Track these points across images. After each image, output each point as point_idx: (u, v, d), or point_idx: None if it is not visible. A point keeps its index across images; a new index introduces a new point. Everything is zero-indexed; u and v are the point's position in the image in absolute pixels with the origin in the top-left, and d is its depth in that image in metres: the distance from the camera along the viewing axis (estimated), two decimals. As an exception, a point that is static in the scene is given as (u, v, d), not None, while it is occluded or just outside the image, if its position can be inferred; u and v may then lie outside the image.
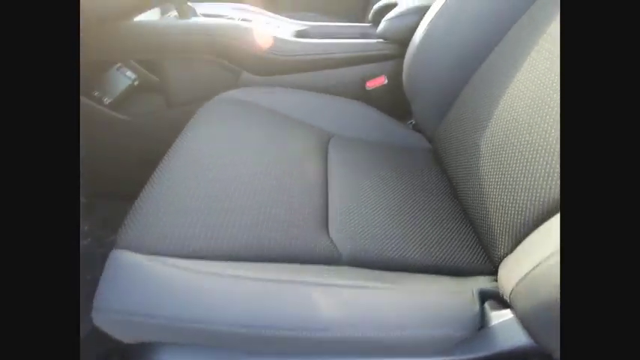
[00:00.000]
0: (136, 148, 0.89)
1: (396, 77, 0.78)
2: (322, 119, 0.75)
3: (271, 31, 0.78)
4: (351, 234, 0.49)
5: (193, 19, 0.76)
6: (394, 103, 0.80)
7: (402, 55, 0.77)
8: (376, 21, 0.88)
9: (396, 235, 0.50)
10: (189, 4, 0.79)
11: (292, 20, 0.89)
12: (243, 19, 0.83)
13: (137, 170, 0.80)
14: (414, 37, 0.68)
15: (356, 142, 0.73)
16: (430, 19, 0.62)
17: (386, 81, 0.76)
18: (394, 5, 0.80)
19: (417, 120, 0.75)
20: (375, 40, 0.78)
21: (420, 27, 0.66)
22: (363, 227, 0.50)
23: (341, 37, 0.89)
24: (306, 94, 0.77)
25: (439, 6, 0.61)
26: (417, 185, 0.63)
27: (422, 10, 0.71)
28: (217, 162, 0.55)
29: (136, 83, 0.91)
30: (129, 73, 0.94)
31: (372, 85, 0.76)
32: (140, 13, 0.77)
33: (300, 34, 0.86)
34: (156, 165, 0.59)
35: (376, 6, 0.85)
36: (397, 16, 0.72)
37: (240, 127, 0.65)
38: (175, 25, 0.74)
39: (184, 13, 0.78)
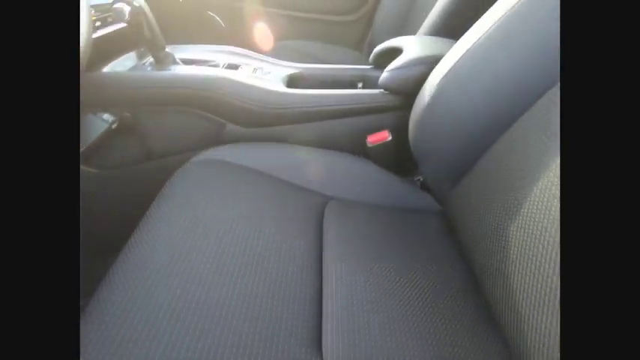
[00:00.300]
0: (112, 204, 0.80)
1: (399, 130, 0.69)
2: (318, 180, 0.66)
3: (259, 81, 0.69)
4: (348, 355, 0.39)
5: (172, 69, 0.68)
6: (398, 157, 0.71)
7: (406, 106, 0.68)
8: (377, 64, 0.80)
9: (406, 355, 0.40)
10: (167, 50, 0.70)
11: (284, 63, 0.81)
12: (229, 64, 0.74)
13: (112, 226, 0.71)
14: (422, 91, 0.59)
15: (356, 207, 0.64)
16: (443, 73, 0.54)
17: (390, 137, 0.67)
18: (398, 50, 0.72)
19: (425, 180, 0.66)
20: (376, 91, 0.69)
21: (430, 81, 0.57)
22: (364, 343, 0.40)
23: (338, 82, 0.81)
24: (300, 151, 0.68)
25: (454, 60, 0.52)
26: (431, 269, 0.54)
27: (430, 61, 0.62)
28: (183, 256, 0.45)
29: (114, 126, 0.82)
30: (106, 116, 0.85)
31: (373, 140, 0.67)
32: (110, 62, 0.69)
33: (292, 78, 0.78)
34: (133, 221, 0.51)
35: (377, 49, 0.77)
36: (402, 67, 0.64)
37: (218, 199, 0.55)
38: (151, 77, 0.66)
39: (162, 60, 0.69)
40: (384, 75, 0.66)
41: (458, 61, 0.51)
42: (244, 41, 1.59)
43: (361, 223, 0.60)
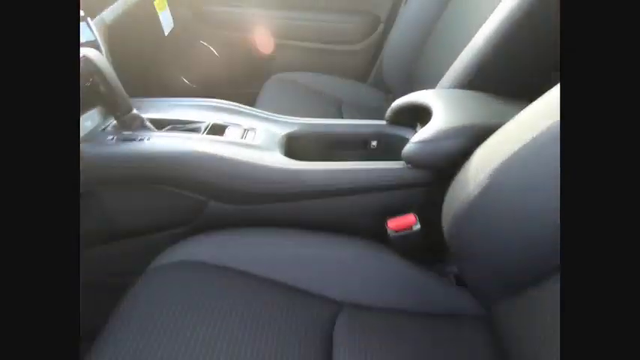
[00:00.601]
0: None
1: (426, 210, 0.55)
2: (324, 280, 0.51)
3: (250, 151, 0.55)
4: None
5: (139, 136, 0.53)
6: (425, 243, 0.56)
7: (435, 182, 0.54)
8: (394, 120, 0.65)
9: None
10: (135, 112, 0.56)
11: (281, 117, 0.67)
12: (212, 127, 0.60)
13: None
14: (464, 173, 0.45)
15: (376, 317, 0.49)
16: (499, 160, 0.39)
17: (417, 224, 0.52)
18: (421, 108, 0.58)
19: (467, 279, 0.51)
20: (399, 165, 0.54)
21: (477, 163, 0.42)
22: None
23: (348, 141, 0.67)
24: (299, 239, 0.54)
25: (518, 144, 0.38)
26: None
27: (470, 133, 0.48)
28: None
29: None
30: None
31: (396, 227, 0.53)
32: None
33: (292, 139, 0.64)
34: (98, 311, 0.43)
35: (395, 105, 0.63)
36: (434, 140, 0.49)
37: (191, 326, 0.41)
38: (112, 154, 0.51)
39: (127, 124, 0.55)
40: (410, 147, 0.51)
41: (524, 147, 0.37)
42: (240, 71, 1.47)
43: (383, 342, 0.46)
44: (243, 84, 1.51)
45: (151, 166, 0.51)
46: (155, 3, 0.94)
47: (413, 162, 0.52)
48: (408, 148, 0.52)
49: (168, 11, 1.07)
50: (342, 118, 1.11)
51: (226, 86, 1.52)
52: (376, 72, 1.40)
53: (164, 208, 0.58)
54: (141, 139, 0.52)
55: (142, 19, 0.93)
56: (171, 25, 1.10)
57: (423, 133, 0.50)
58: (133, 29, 0.93)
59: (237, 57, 1.45)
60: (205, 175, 0.51)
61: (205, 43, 1.44)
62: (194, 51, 1.45)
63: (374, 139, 0.67)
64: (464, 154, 0.48)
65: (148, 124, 0.57)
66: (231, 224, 0.57)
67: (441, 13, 1.03)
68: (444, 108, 0.53)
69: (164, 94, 1.43)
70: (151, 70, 1.31)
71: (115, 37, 0.80)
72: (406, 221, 0.52)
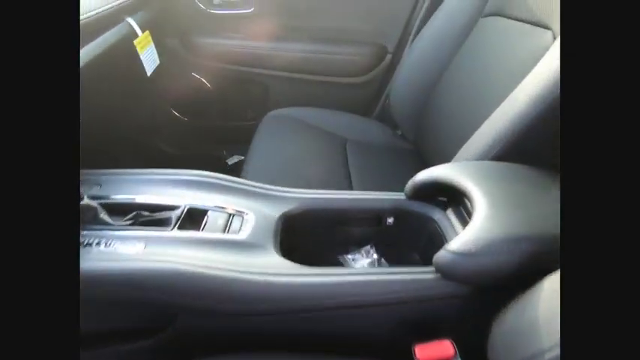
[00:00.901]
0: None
1: (460, 326, 0.42)
2: None
3: (234, 256, 0.42)
4: None
5: (86, 249, 0.41)
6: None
7: (472, 296, 0.41)
8: (415, 196, 0.53)
9: None
10: (86, 201, 0.43)
11: (276, 191, 0.54)
12: (188, 212, 0.47)
13: None
14: (525, 317, 0.32)
15: None
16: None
17: (456, 357, 0.39)
18: (451, 188, 0.45)
19: None
20: (429, 274, 0.41)
21: (545, 314, 0.30)
22: None
23: (361, 218, 0.55)
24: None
25: None
26: None
27: (524, 248, 0.35)
28: None
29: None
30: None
31: (426, 358, 0.40)
32: None
33: (290, 221, 0.51)
34: None
35: (418, 180, 0.50)
36: (474, 254, 0.37)
37: None
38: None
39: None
40: (445, 257, 0.39)
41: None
42: (234, 104, 1.36)
43: None
44: (238, 117, 1.40)
45: (101, 290, 0.38)
46: (135, 42, 0.83)
47: (447, 275, 0.40)
48: (442, 258, 0.39)
49: (153, 48, 0.96)
50: (347, 157, 1.00)
51: (220, 119, 1.41)
52: (382, 106, 1.29)
53: (126, 320, 0.45)
54: (88, 245, 0.40)
55: (119, 60, 0.82)
56: (156, 63, 0.99)
57: (463, 241, 0.38)
58: (109, 74, 0.81)
59: (232, 90, 1.35)
60: (171, 297, 0.39)
61: (197, 76, 1.34)
62: (185, 83, 1.34)
63: (390, 216, 0.55)
64: (517, 271, 0.36)
65: (104, 216, 0.44)
66: (207, 337, 0.45)
67: (460, 46, 0.92)
68: (487, 200, 0.40)
69: (153, 127, 1.32)
70: (138, 105, 1.20)
71: (84, 85, 0.69)
72: (441, 352, 0.39)
